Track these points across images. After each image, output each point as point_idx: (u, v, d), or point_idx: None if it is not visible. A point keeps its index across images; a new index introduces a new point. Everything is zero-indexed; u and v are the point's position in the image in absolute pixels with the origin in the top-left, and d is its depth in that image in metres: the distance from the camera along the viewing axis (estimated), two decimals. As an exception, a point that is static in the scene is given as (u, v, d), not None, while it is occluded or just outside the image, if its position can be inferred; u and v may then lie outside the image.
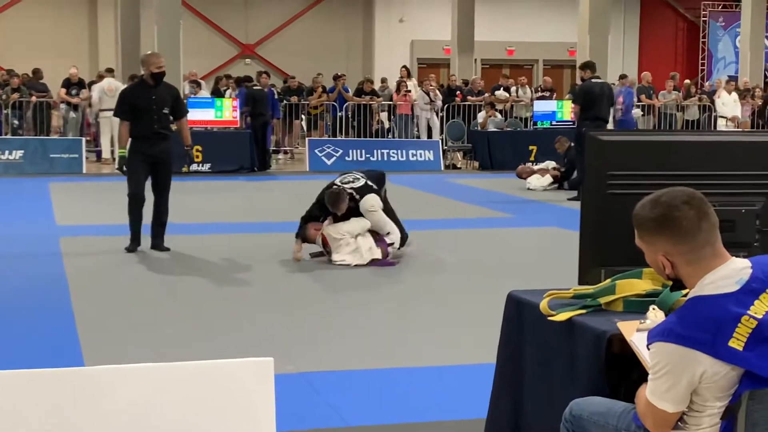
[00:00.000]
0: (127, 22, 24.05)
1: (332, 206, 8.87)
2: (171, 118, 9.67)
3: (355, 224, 8.92)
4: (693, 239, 2.69)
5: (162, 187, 9.51)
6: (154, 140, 9.35)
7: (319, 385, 5.32)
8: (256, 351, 5.72)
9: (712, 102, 22.55)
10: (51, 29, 27.95)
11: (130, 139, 9.48)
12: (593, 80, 14.31)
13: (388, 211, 9.26)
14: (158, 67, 9.39)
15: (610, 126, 20.25)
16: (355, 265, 8.77)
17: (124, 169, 9.46)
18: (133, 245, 9.49)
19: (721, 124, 21.31)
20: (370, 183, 9.18)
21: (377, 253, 8.88)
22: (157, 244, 9.54)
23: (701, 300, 2.65)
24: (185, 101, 18.59)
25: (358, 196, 8.95)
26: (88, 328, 6.48)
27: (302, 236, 9.06)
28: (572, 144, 15.73)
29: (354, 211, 8.98)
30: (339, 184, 9.06)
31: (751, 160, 3.58)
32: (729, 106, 21.55)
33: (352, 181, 9.10)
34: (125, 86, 10.51)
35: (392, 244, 9.01)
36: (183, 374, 2.53)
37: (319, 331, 6.51)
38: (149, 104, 9.38)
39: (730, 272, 2.67)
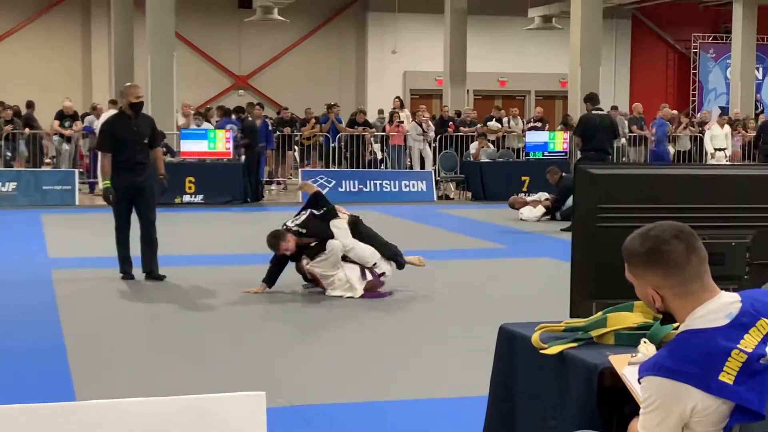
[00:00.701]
0: (121, 54, 24.15)
1: (274, 249, 8.80)
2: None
3: (332, 255, 8.78)
4: (682, 273, 2.71)
5: (147, 215, 9.61)
6: (137, 170, 9.50)
7: (311, 418, 5.31)
8: (247, 384, 5.71)
9: (702, 133, 22.66)
10: (44, 61, 28.03)
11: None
12: (594, 112, 14.44)
13: (364, 234, 9.13)
14: (137, 97, 9.60)
15: (647, 155, 20.45)
16: (348, 297, 8.76)
17: (111, 199, 9.56)
18: (126, 268, 9.63)
19: (710, 158, 21.37)
20: (315, 212, 9.03)
21: (366, 283, 8.85)
22: (151, 271, 9.60)
23: (691, 334, 2.66)
24: (179, 132, 18.77)
25: (304, 230, 8.84)
26: (80, 362, 6.46)
27: (272, 281, 8.95)
28: (563, 174, 15.80)
29: (320, 244, 8.84)
30: (285, 225, 9.02)
31: (740, 193, 3.60)
32: (719, 139, 21.63)
33: (295, 217, 9.07)
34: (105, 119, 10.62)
35: (383, 274, 8.97)
36: (175, 409, 2.53)
37: (310, 364, 6.49)
38: (131, 135, 9.51)
39: (720, 306, 2.69)
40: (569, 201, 15.24)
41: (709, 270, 2.75)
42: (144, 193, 9.56)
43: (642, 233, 2.78)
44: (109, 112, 19.32)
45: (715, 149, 21.46)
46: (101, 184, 9.67)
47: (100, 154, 9.80)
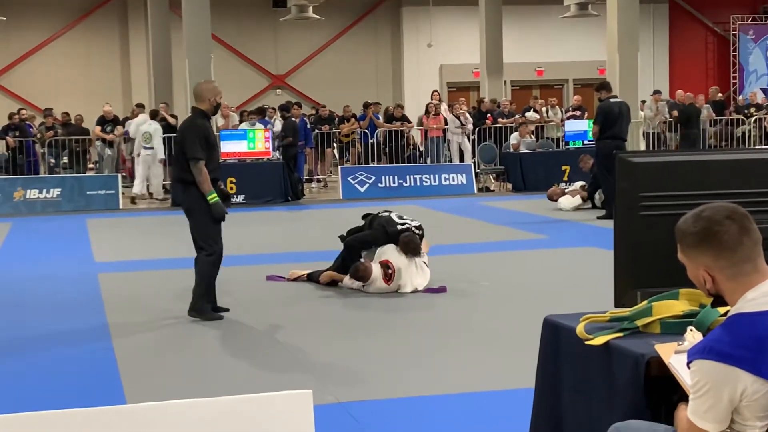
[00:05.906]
0: (159, 58, 24.36)
1: (413, 252, 8.83)
2: None
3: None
4: (734, 254, 2.68)
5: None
6: (219, 180, 7.97)
7: (359, 414, 5.32)
8: (294, 381, 5.74)
9: (745, 116, 22.31)
10: (83, 67, 28.33)
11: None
12: (611, 100, 14.33)
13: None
14: (221, 97, 7.97)
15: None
16: (394, 292, 8.78)
17: (224, 215, 7.80)
18: (215, 311, 8.05)
19: None
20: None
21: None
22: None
23: (742, 317, 2.63)
24: (219, 134, 18.87)
25: (420, 233, 9.09)
26: (129, 365, 6.53)
27: (351, 271, 8.89)
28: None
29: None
30: (399, 222, 9.06)
31: (784, 176, 3.55)
32: None
33: (411, 220, 9.21)
34: (189, 120, 7.91)
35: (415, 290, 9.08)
36: (223, 409, 2.55)
37: (357, 360, 6.51)
38: (215, 140, 8.00)
39: (772, 289, 2.66)
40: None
41: (763, 254, 2.71)
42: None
43: (695, 214, 2.76)
44: (140, 118, 19.46)
45: None
46: (208, 198, 7.68)
47: (190, 163, 7.63)
